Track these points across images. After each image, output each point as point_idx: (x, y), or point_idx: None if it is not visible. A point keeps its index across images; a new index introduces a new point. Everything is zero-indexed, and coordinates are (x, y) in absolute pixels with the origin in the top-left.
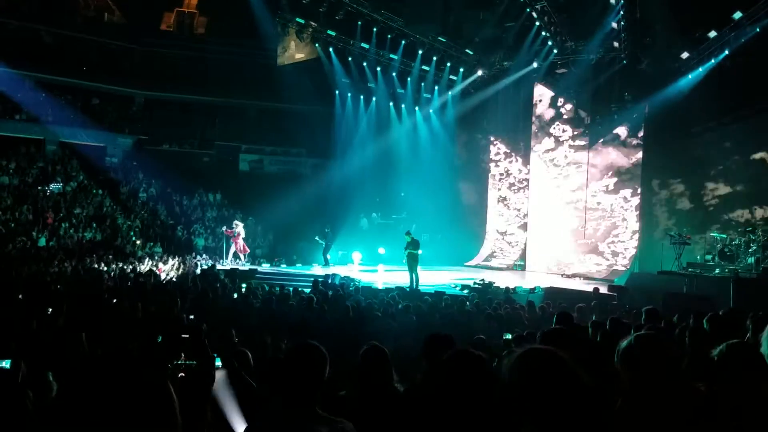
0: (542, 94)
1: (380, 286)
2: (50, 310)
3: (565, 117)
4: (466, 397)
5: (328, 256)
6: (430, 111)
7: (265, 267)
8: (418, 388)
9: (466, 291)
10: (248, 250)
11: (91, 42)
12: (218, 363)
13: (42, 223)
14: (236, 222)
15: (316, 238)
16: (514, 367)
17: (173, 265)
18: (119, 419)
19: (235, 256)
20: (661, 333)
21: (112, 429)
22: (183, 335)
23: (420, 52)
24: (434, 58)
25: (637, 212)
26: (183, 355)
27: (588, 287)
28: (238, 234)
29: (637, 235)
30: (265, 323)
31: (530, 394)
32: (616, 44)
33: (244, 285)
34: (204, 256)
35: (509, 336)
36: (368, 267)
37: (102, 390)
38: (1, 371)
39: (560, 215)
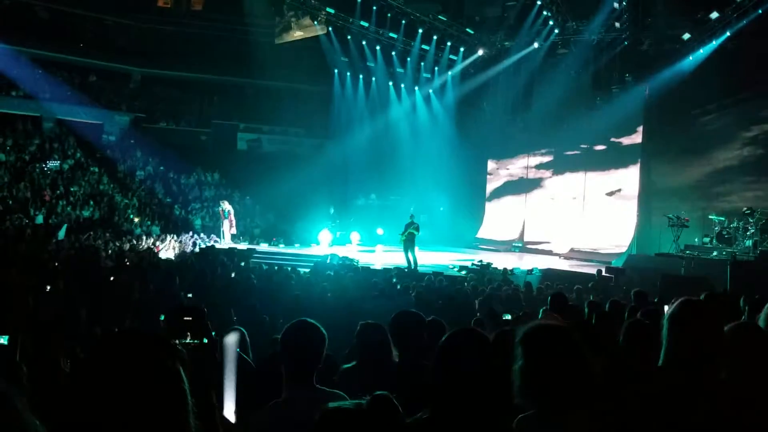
0: (543, 74)
1: (378, 267)
2: (48, 287)
3: (565, 98)
4: (466, 374)
5: (337, 233)
6: (430, 91)
7: (263, 246)
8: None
9: (464, 272)
10: (234, 230)
11: (87, 18)
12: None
13: (39, 200)
14: (222, 201)
15: (336, 222)
16: (520, 341)
17: (171, 243)
18: (130, 398)
19: (233, 236)
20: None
21: (123, 407)
22: (186, 317)
23: (420, 31)
24: (434, 37)
25: (636, 193)
26: (189, 334)
27: (585, 269)
28: (230, 213)
29: (635, 217)
30: (263, 302)
31: (534, 365)
32: (617, 25)
33: (242, 264)
34: (202, 235)
35: (508, 316)
36: (366, 247)
37: (113, 368)
38: None
39: (559, 196)
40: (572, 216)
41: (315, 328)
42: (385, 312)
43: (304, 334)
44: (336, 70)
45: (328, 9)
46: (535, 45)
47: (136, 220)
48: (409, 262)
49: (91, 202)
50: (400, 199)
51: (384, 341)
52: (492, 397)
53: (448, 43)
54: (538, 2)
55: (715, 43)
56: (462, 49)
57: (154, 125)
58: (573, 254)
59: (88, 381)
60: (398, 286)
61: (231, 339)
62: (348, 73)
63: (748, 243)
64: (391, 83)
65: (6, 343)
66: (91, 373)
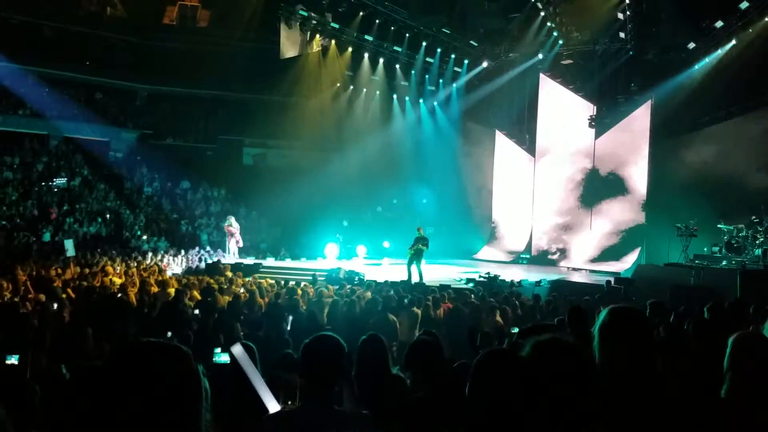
0: (548, 85)
1: (384, 280)
2: (55, 305)
3: (571, 108)
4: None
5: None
6: (435, 103)
7: (270, 261)
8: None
9: (471, 284)
10: (241, 245)
11: (93, 36)
12: (226, 357)
13: (46, 218)
14: (229, 217)
15: (339, 236)
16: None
17: (178, 259)
18: (153, 398)
19: (230, 249)
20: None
21: (146, 407)
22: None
23: (424, 43)
24: (438, 50)
25: (644, 203)
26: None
27: (594, 280)
28: (236, 228)
29: (643, 227)
30: (269, 317)
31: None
32: (622, 35)
33: (248, 279)
34: (208, 250)
35: (516, 330)
36: (373, 261)
37: (137, 372)
38: (9, 366)
39: (567, 207)
40: (580, 226)
41: (336, 342)
42: (385, 326)
43: (324, 348)
44: (340, 84)
45: (332, 24)
46: (540, 56)
47: (145, 236)
48: (410, 275)
49: (99, 219)
50: (406, 212)
51: (381, 357)
52: (526, 419)
53: (452, 56)
54: (542, 13)
55: (720, 52)
56: (466, 62)
57: (161, 141)
58: (581, 265)
59: (112, 385)
60: (405, 300)
61: (236, 349)
62: (352, 87)
63: (758, 252)
64: (395, 96)
65: (16, 362)
66: (116, 377)
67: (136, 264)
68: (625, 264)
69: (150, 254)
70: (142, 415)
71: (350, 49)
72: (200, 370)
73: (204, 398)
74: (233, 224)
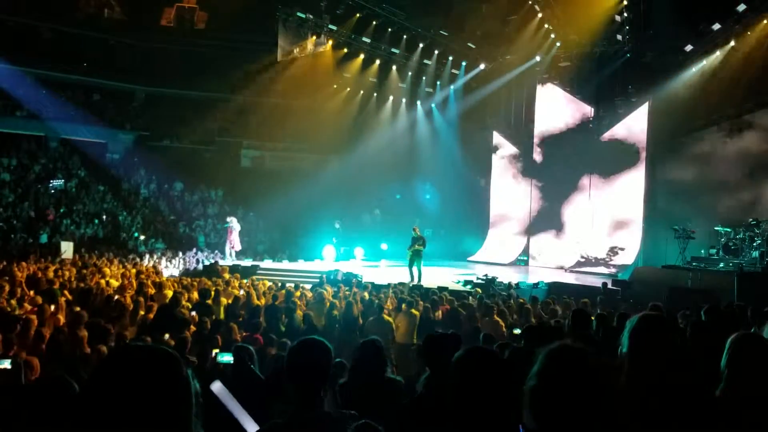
0: (546, 87)
1: (387, 283)
2: (53, 307)
3: (568, 111)
4: (481, 394)
5: (342, 249)
6: (432, 105)
7: (268, 262)
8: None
9: (469, 286)
10: (239, 248)
11: (91, 38)
12: (229, 357)
13: (43, 219)
14: (229, 218)
15: (333, 239)
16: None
17: (175, 261)
18: (143, 404)
19: (230, 252)
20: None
21: (136, 414)
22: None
23: (421, 45)
24: (436, 52)
25: (642, 205)
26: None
27: (591, 282)
28: (231, 230)
29: (641, 229)
30: (267, 319)
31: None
32: (619, 37)
33: (246, 280)
34: (206, 251)
35: (518, 331)
36: (371, 262)
37: (128, 377)
38: (2, 371)
39: (564, 209)
40: (577, 228)
41: (323, 346)
42: (385, 327)
43: (311, 352)
44: (337, 86)
45: (330, 26)
46: (537, 58)
47: (141, 238)
48: (412, 276)
49: (96, 221)
50: (409, 208)
51: (378, 360)
52: (506, 417)
53: (450, 58)
54: (539, 15)
55: (718, 54)
56: (464, 63)
57: (158, 143)
58: (579, 267)
59: (103, 390)
60: (404, 302)
61: (216, 386)
62: (349, 89)
63: (755, 254)
64: (392, 98)
65: (9, 366)
66: (107, 381)
67: (133, 266)
68: (623, 266)
69: (147, 256)
70: (129, 422)
71: (347, 51)
72: (190, 374)
73: (194, 404)
74: (233, 225)
